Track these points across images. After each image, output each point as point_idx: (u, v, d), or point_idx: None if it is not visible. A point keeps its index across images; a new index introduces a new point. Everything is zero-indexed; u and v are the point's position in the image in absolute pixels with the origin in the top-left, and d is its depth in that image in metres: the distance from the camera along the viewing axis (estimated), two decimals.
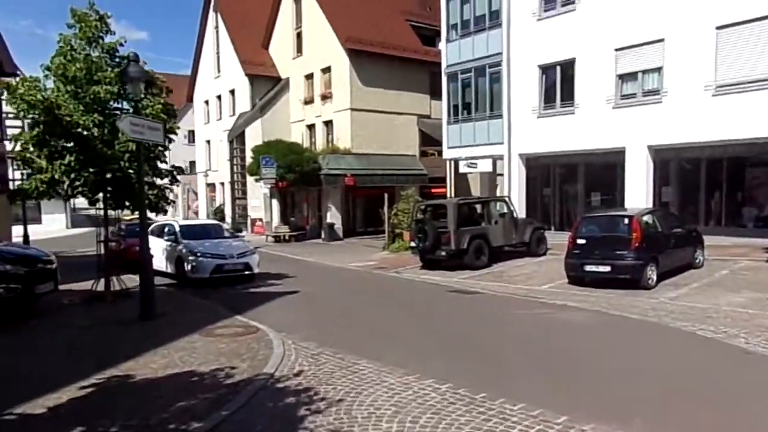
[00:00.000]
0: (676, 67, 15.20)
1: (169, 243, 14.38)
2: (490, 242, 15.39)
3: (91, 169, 10.31)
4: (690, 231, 12.75)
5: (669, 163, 17.30)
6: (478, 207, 16.67)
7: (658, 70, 15.72)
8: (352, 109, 27.46)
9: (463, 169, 22.10)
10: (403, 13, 30.81)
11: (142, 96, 8.98)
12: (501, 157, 20.26)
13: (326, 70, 28.93)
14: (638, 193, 16.25)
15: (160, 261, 14.79)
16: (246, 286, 13.31)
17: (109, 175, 10.75)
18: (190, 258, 13.34)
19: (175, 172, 11.68)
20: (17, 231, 20.76)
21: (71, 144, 10.15)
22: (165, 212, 11.96)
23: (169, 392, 5.56)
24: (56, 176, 10.19)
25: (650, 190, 16.40)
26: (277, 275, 15.11)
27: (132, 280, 12.22)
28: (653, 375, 6.02)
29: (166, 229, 15.07)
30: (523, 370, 6.28)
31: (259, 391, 5.56)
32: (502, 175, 21.93)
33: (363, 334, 8.40)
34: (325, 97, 29.04)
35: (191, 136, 44.74)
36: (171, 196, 13.08)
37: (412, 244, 15.87)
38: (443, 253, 14.95)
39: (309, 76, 30.33)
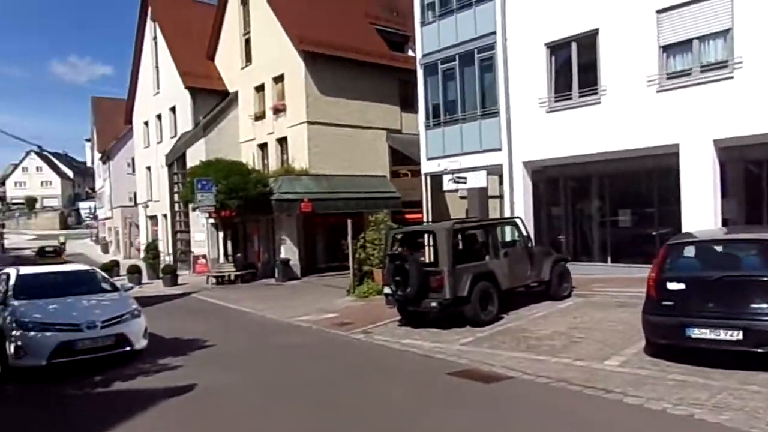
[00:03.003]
0: (754, 27, 10.71)
1: None
2: (499, 284, 10.49)
3: None
4: None
5: (726, 166, 12.82)
6: (479, 234, 11.75)
7: (724, 34, 11.24)
8: (309, 123, 22.95)
9: (448, 185, 17.12)
10: (367, 16, 26.83)
11: None
12: (499, 168, 15.49)
13: (279, 78, 24.57)
14: (701, 207, 11.54)
15: None
16: (112, 376, 7.89)
17: None
18: (14, 333, 7.83)
19: None
20: None
21: None
22: None
23: None
24: None
25: (718, 204, 11.73)
26: (182, 345, 9.98)
27: None
28: None
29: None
30: None
31: None
32: (497, 197, 17.27)
33: None
34: (278, 110, 24.45)
35: (135, 164, 39.35)
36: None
37: (387, 290, 10.81)
38: (433, 304, 9.94)
39: (260, 88, 25.89)
